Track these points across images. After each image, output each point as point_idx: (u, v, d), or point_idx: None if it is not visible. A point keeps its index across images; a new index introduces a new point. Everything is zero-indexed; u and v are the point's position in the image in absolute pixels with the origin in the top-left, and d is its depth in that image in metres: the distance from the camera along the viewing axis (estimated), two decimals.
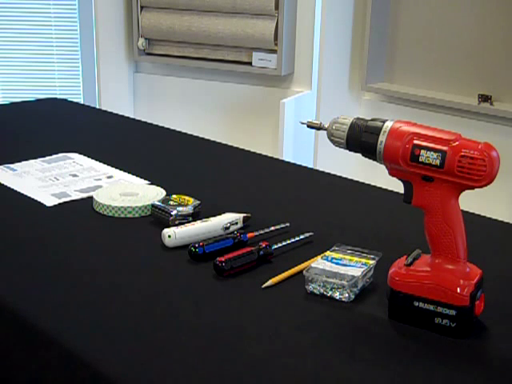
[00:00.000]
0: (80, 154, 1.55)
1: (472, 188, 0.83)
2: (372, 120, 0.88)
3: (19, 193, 1.30)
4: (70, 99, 2.20)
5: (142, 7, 3.11)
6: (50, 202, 1.26)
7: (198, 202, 1.20)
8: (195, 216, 1.18)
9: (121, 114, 2.01)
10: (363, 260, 0.98)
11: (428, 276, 0.86)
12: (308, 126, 0.94)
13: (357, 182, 1.45)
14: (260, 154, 1.63)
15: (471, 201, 1.37)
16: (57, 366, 0.83)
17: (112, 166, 1.46)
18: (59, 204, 1.25)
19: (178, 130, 1.82)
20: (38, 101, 2.14)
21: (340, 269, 0.95)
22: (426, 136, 0.84)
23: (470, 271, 0.86)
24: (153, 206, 1.18)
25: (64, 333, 0.84)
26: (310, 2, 2.86)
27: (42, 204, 1.25)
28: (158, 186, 1.31)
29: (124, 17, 3.19)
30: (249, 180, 1.44)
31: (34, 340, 0.86)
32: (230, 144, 1.70)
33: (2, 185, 1.34)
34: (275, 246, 1.05)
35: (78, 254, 1.05)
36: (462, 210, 0.86)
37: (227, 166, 1.53)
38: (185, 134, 1.79)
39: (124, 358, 0.78)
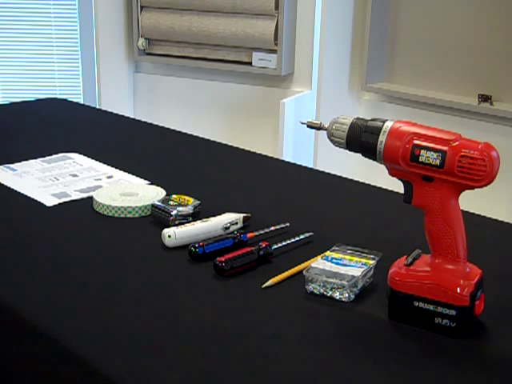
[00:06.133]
0: (80, 154, 1.55)
1: (472, 188, 0.83)
2: (372, 120, 0.88)
3: (19, 193, 1.30)
4: (70, 99, 2.20)
5: (142, 7, 3.11)
6: (49, 202, 1.26)
7: (198, 202, 1.20)
8: (195, 216, 1.18)
9: (121, 114, 2.01)
10: (363, 260, 0.98)
11: (428, 276, 0.86)
12: (308, 126, 0.94)
13: (357, 182, 1.45)
14: (260, 154, 1.63)
15: (471, 201, 1.37)
16: (56, 365, 0.83)
17: (112, 166, 1.46)
18: (59, 204, 1.25)
19: (178, 130, 1.82)
20: (38, 101, 2.14)
21: (340, 269, 0.95)
22: (426, 136, 0.84)
23: (470, 271, 0.86)
24: (153, 206, 1.18)
25: (64, 333, 0.84)
26: (310, 2, 2.86)
27: (42, 204, 1.25)
28: (158, 186, 1.31)
29: (124, 17, 3.19)
30: (249, 180, 1.44)
31: (34, 340, 0.86)
32: (230, 144, 1.70)
33: (2, 185, 1.34)
34: (275, 246, 1.05)
35: (78, 253, 1.05)
36: (462, 210, 0.86)
37: (227, 166, 1.53)
38: (185, 133, 1.79)
39: (124, 358, 0.78)
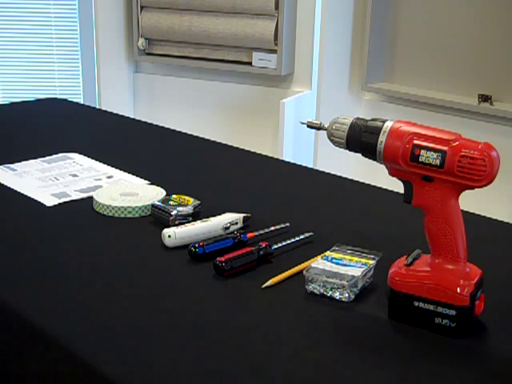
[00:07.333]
0: (80, 154, 1.55)
1: (472, 188, 0.83)
2: (372, 120, 0.88)
3: (19, 193, 1.30)
4: (70, 99, 2.20)
5: (142, 7, 3.11)
6: (50, 202, 1.26)
7: (198, 202, 1.20)
8: (195, 216, 1.18)
9: (121, 113, 2.01)
10: (363, 260, 0.98)
11: (428, 276, 0.86)
12: (308, 126, 0.94)
13: (357, 182, 1.45)
14: (260, 154, 1.63)
15: (471, 201, 1.37)
16: (57, 365, 0.83)
17: (112, 166, 1.46)
18: (59, 204, 1.25)
19: (178, 130, 1.82)
20: (38, 101, 2.14)
21: (340, 269, 0.95)
22: (426, 136, 0.84)
23: (470, 271, 0.86)
24: (153, 206, 1.18)
25: (64, 333, 0.84)
26: (310, 2, 2.86)
27: (42, 204, 1.25)
28: (157, 185, 1.31)
29: (124, 17, 3.19)
30: (249, 180, 1.44)
31: (34, 340, 0.86)
32: (230, 144, 1.70)
33: (2, 185, 1.34)
34: (275, 246, 1.05)
35: (78, 253, 1.05)
36: (462, 210, 0.86)
37: (227, 166, 1.53)
38: (185, 133, 1.79)
39: (124, 358, 0.78)
